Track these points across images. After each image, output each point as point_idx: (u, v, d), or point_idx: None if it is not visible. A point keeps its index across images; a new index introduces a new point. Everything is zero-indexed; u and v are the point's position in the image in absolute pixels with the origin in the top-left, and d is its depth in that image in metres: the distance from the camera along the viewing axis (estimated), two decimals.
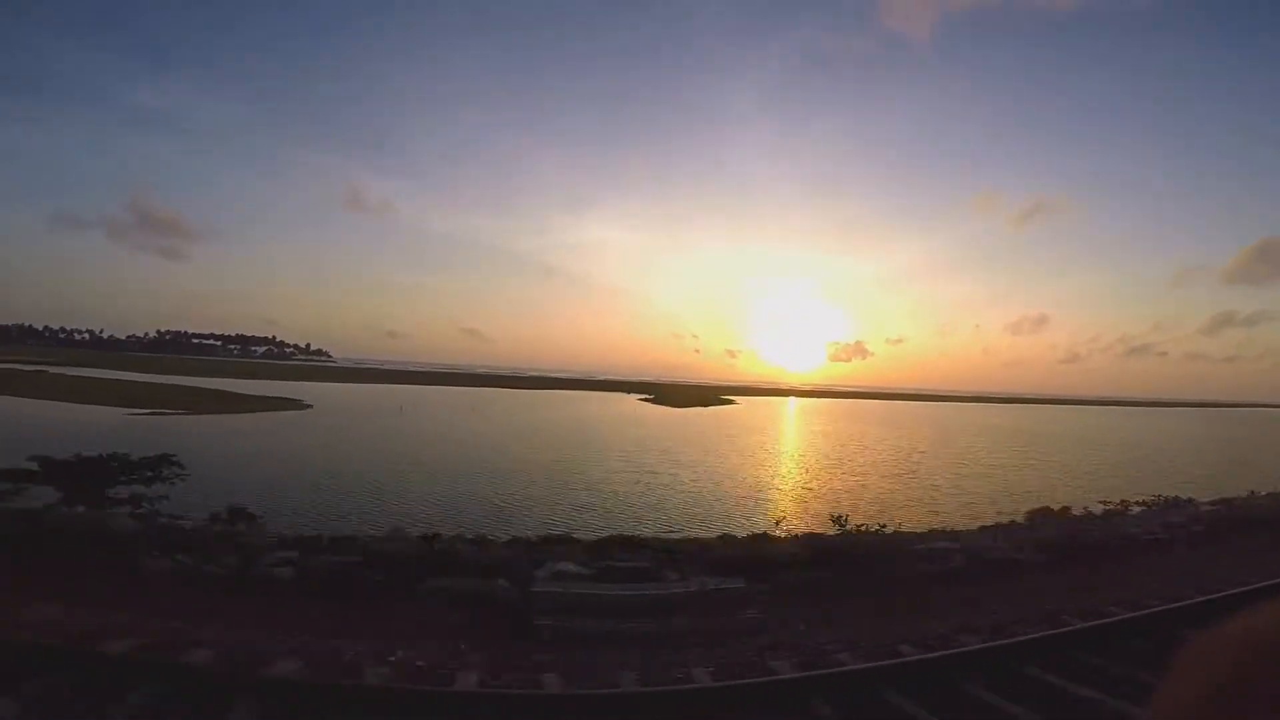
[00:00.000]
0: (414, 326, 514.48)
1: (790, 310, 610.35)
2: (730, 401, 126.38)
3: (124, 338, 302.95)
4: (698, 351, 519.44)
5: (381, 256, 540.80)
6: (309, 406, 59.69)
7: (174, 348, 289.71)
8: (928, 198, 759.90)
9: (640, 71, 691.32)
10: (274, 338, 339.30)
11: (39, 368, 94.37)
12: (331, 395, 76.84)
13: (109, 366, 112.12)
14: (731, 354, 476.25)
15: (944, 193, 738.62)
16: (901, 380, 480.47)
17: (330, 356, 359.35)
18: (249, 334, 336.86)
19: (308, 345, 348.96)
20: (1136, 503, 16.16)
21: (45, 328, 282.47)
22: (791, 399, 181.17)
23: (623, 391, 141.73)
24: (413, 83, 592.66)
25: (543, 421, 63.61)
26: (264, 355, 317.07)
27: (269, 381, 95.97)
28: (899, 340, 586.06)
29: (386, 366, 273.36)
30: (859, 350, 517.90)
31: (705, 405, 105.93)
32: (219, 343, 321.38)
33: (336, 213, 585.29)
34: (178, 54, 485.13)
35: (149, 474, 16.09)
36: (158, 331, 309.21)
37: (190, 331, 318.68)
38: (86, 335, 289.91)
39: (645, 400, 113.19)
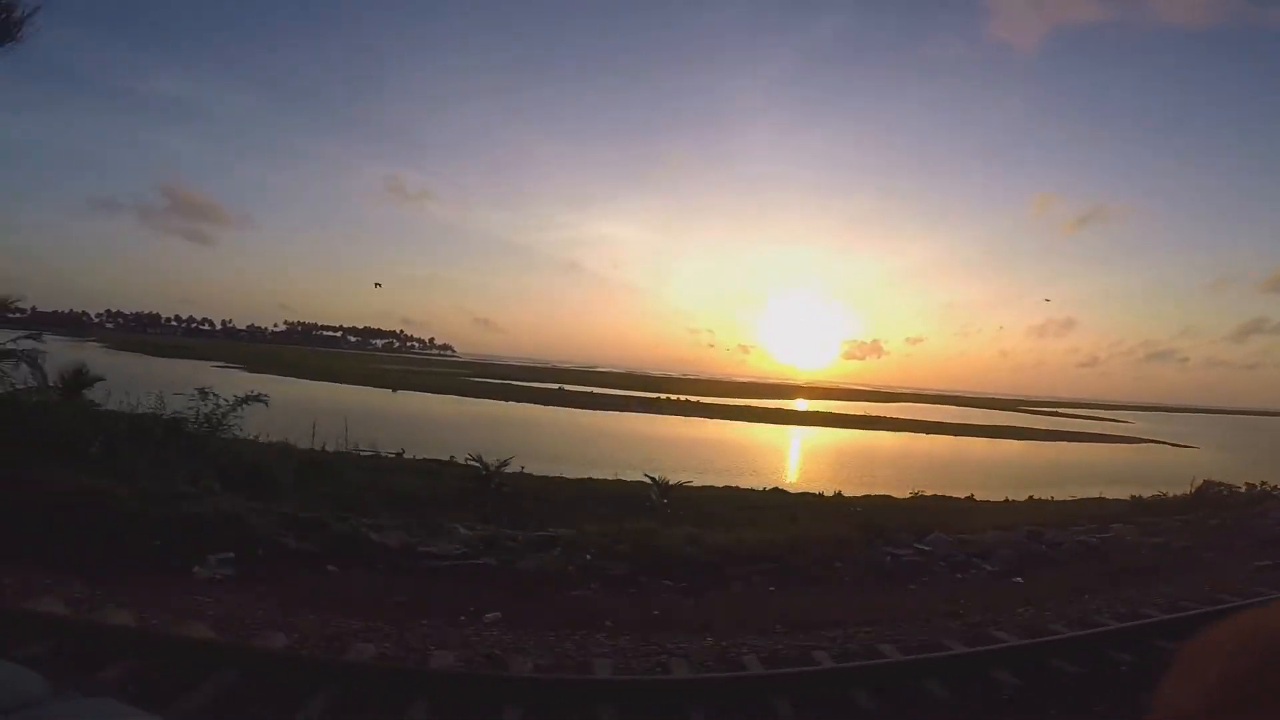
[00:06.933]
0: (426, 315, 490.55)
1: (805, 306, 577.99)
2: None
3: (243, 328, 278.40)
4: (711, 346, 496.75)
5: (396, 246, 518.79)
6: None
7: (302, 339, 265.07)
8: (977, 197, 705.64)
9: (656, 65, 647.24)
10: (400, 331, 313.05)
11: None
12: None
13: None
14: (744, 350, 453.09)
15: (994, 193, 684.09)
16: (916, 381, 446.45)
17: (454, 352, 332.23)
18: (371, 325, 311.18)
19: (431, 340, 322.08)
20: None
21: (174, 317, 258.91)
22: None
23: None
24: (428, 75, 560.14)
25: None
26: (384, 348, 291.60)
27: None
28: (918, 340, 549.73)
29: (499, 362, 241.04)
30: (874, 349, 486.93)
31: None
32: (340, 334, 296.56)
33: (352, 202, 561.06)
34: (196, 47, 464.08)
35: None
36: (285, 323, 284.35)
37: (318, 323, 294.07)
38: (210, 326, 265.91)
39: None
